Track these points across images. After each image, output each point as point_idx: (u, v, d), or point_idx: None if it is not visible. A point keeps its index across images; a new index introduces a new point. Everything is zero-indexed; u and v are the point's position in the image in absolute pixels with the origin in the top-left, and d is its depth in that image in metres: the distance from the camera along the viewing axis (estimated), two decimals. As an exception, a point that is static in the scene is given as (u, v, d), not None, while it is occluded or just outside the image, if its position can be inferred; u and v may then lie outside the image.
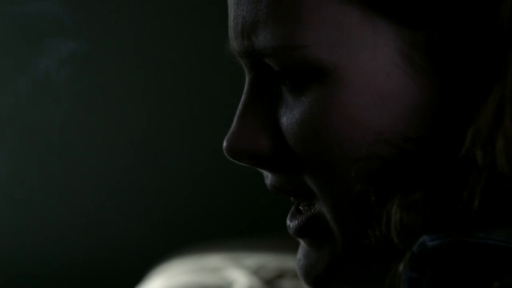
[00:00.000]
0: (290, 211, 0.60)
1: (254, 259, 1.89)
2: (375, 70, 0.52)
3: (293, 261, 1.88)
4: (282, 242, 1.88)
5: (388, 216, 0.51)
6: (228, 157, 0.59)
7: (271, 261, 1.86)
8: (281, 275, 1.80)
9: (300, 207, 0.60)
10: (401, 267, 0.48)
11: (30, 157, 2.38)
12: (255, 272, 1.82)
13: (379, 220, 0.51)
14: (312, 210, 0.58)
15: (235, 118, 0.58)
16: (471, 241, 0.46)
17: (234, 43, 0.57)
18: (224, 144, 0.58)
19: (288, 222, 0.60)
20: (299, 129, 0.54)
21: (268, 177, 0.60)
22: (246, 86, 0.58)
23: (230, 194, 2.41)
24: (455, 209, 0.49)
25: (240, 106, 0.58)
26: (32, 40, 2.37)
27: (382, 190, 0.52)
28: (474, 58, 0.51)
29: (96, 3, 2.36)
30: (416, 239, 0.48)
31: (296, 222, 0.59)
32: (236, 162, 0.58)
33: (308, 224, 0.58)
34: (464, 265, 0.46)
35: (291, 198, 0.61)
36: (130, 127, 2.41)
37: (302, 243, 0.60)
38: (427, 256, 0.47)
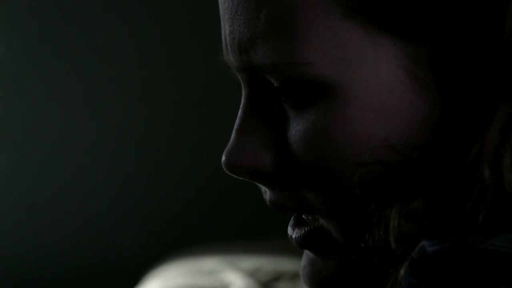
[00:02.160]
0: (292, 220, 0.59)
1: (251, 262, 1.89)
2: (379, 86, 0.52)
3: (289, 264, 1.89)
4: (278, 245, 1.88)
5: (386, 222, 0.51)
6: (226, 171, 0.58)
7: (267, 264, 1.86)
8: (277, 277, 1.80)
9: (303, 216, 0.59)
10: (401, 272, 0.48)
11: (28, 158, 2.37)
12: (252, 274, 1.82)
13: (378, 226, 0.51)
14: (316, 224, 0.57)
15: (234, 132, 0.57)
16: (470, 247, 0.46)
17: (231, 57, 0.56)
18: (223, 158, 0.57)
19: (290, 231, 0.59)
20: (303, 146, 0.54)
21: (267, 193, 0.59)
22: (243, 100, 0.57)
23: (227, 197, 2.41)
24: (457, 220, 0.49)
25: (238, 120, 0.57)
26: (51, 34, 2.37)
27: (385, 202, 0.52)
28: (479, 72, 0.50)
29: (95, 4, 2.36)
30: (414, 246, 0.48)
31: (300, 233, 0.58)
32: (235, 176, 0.57)
33: (313, 236, 0.57)
34: (463, 270, 0.46)
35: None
36: (128, 129, 2.40)
37: (306, 251, 0.60)
38: (426, 261, 0.47)
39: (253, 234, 2.19)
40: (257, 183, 0.58)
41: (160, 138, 2.42)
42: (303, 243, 0.57)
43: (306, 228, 0.57)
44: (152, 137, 2.42)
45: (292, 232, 0.58)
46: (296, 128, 0.54)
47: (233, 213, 2.41)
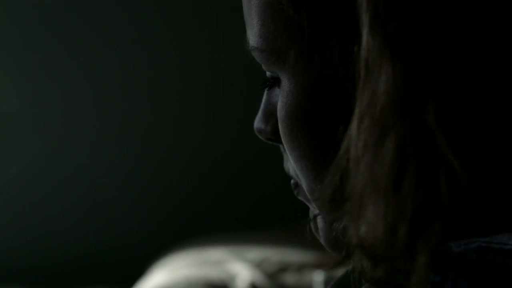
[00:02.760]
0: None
1: (257, 253, 1.89)
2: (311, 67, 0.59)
3: (295, 255, 1.88)
4: (284, 236, 1.88)
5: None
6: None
7: (273, 255, 1.86)
8: (283, 268, 1.80)
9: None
10: (423, 272, 0.49)
11: (32, 154, 2.38)
12: (258, 265, 1.82)
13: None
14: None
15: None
16: (495, 247, 0.47)
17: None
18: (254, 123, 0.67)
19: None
20: (279, 119, 0.62)
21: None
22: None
23: (233, 187, 2.41)
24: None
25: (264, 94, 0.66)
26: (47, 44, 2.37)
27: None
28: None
29: (96, 1, 2.36)
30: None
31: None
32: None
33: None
34: (487, 269, 0.46)
35: None
36: (131, 121, 2.40)
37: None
38: (451, 261, 0.48)
39: (259, 225, 2.18)
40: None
41: (166, 130, 2.42)
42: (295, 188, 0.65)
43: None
44: (158, 129, 2.42)
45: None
46: (279, 105, 0.62)
47: (240, 204, 2.41)
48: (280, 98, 0.60)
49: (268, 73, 0.63)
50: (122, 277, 2.21)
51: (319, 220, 0.62)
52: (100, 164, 2.40)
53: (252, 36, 0.61)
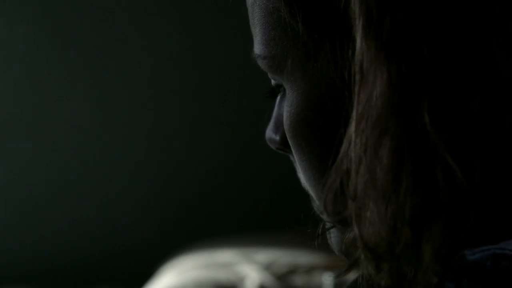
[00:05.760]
0: None
1: (266, 255, 1.89)
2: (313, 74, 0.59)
3: (305, 256, 1.88)
4: (294, 237, 1.88)
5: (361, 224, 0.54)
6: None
7: (282, 257, 1.86)
8: (292, 270, 1.80)
9: None
10: (434, 279, 0.49)
11: (36, 154, 2.38)
12: (267, 267, 1.82)
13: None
14: None
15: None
16: (509, 253, 0.47)
17: None
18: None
19: None
20: (286, 130, 0.62)
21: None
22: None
23: (242, 189, 2.41)
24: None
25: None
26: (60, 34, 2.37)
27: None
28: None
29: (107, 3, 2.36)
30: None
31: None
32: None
33: None
34: (502, 276, 0.47)
35: None
36: (138, 124, 2.40)
37: None
38: (465, 268, 0.48)
39: (268, 227, 2.18)
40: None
41: (176, 132, 2.42)
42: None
43: None
44: (165, 132, 2.42)
45: None
46: (284, 115, 0.62)
47: (248, 205, 2.41)
48: (285, 107, 0.61)
49: (273, 82, 0.63)
50: (131, 279, 2.21)
51: (333, 232, 0.62)
52: (107, 166, 2.40)
53: (256, 44, 0.62)
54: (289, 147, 0.62)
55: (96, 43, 2.37)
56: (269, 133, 0.65)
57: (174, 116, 2.41)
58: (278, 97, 0.64)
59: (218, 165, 2.41)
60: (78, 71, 2.38)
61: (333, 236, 0.63)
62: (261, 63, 0.61)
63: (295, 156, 0.61)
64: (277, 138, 0.64)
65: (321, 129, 0.58)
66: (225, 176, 2.41)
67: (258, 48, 0.61)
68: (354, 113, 0.53)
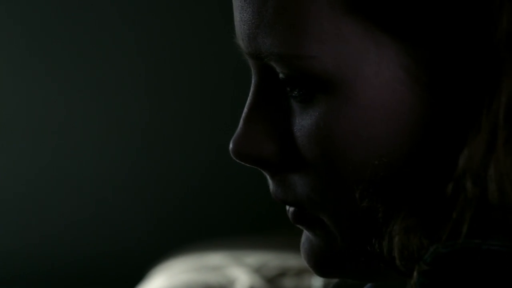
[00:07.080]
0: None
1: (256, 257, 1.89)
2: (380, 85, 0.51)
3: (294, 259, 1.88)
4: (283, 240, 1.88)
5: (389, 237, 0.50)
6: (234, 158, 0.58)
7: (272, 259, 1.86)
8: (283, 273, 1.80)
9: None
10: (414, 274, 0.48)
11: (30, 155, 2.38)
12: (257, 270, 1.82)
13: (382, 238, 0.51)
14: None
15: (241, 120, 0.57)
16: (483, 248, 0.47)
17: (241, 43, 0.57)
18: (231, 146, 0.57)
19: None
20: (307, 141, 0.54)
21: (270, 185, 0.59)
22: (252, 88, 0.57)
23: (232, 192, 2.41)
24: (443, 233, 0.49)
25: (246, 108, 0.57)
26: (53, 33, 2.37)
27: (385, 209, 0.51)
28: (469, 77, 0.49)
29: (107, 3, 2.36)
30: (415, 262, 0.48)
31: (294, 209, 0.58)
32: (242, 163, 0.58)
33: (306, 217, 0.57)
34: (475, 271, 0.46)
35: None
36: (132, 126, 2.41)
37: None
38: (438, 263, 0.47)
39: (258, 230, 2.19)
40: (262, 170, 0.58)
41: (168, 136, 2.42)
42: (296, 219, 0.57)
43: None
44: (160, 135, 2.42)
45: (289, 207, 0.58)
46: (301, 124, 0.54)
47: (239, 208, 2.41)
48: (323, 117, 0.53)
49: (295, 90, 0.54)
50: (122, 282, 2.21)
51: (308, 243, 0.58)
52: (99, 169, 2.40)
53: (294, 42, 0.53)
54: (282, 161, 0.55)
55: (90, 43, 2.37)
56: (252, 145, 0.56)
57: (169, 118, 2.42)
58: (293, 104, 0.55)
59: (208, 169, 2.42)
60: (72, 72, 2.38)
61: (308, 247, 0.58)
62: (300, 64, 0.52)
63: (324, 172, 0.54)
64: (270, 150, 0.56)
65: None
66: (216, 179, 2.42)
67: (300, 46, 0.52)
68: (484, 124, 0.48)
